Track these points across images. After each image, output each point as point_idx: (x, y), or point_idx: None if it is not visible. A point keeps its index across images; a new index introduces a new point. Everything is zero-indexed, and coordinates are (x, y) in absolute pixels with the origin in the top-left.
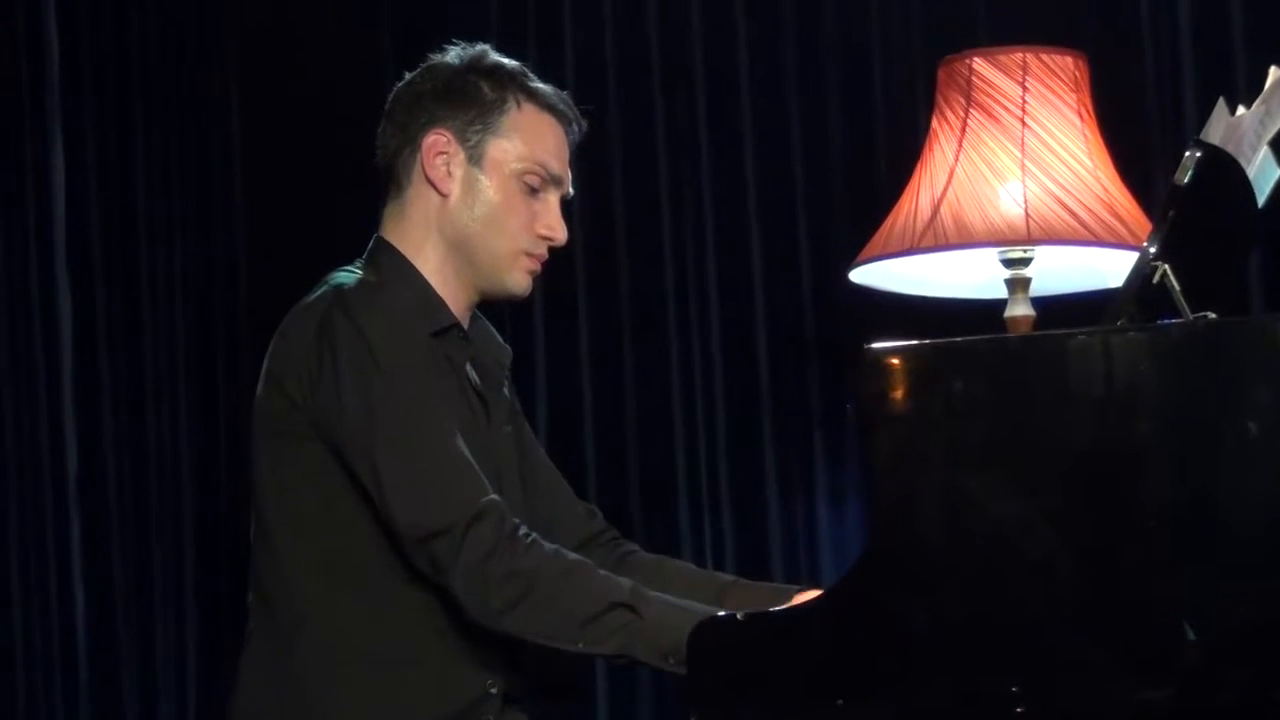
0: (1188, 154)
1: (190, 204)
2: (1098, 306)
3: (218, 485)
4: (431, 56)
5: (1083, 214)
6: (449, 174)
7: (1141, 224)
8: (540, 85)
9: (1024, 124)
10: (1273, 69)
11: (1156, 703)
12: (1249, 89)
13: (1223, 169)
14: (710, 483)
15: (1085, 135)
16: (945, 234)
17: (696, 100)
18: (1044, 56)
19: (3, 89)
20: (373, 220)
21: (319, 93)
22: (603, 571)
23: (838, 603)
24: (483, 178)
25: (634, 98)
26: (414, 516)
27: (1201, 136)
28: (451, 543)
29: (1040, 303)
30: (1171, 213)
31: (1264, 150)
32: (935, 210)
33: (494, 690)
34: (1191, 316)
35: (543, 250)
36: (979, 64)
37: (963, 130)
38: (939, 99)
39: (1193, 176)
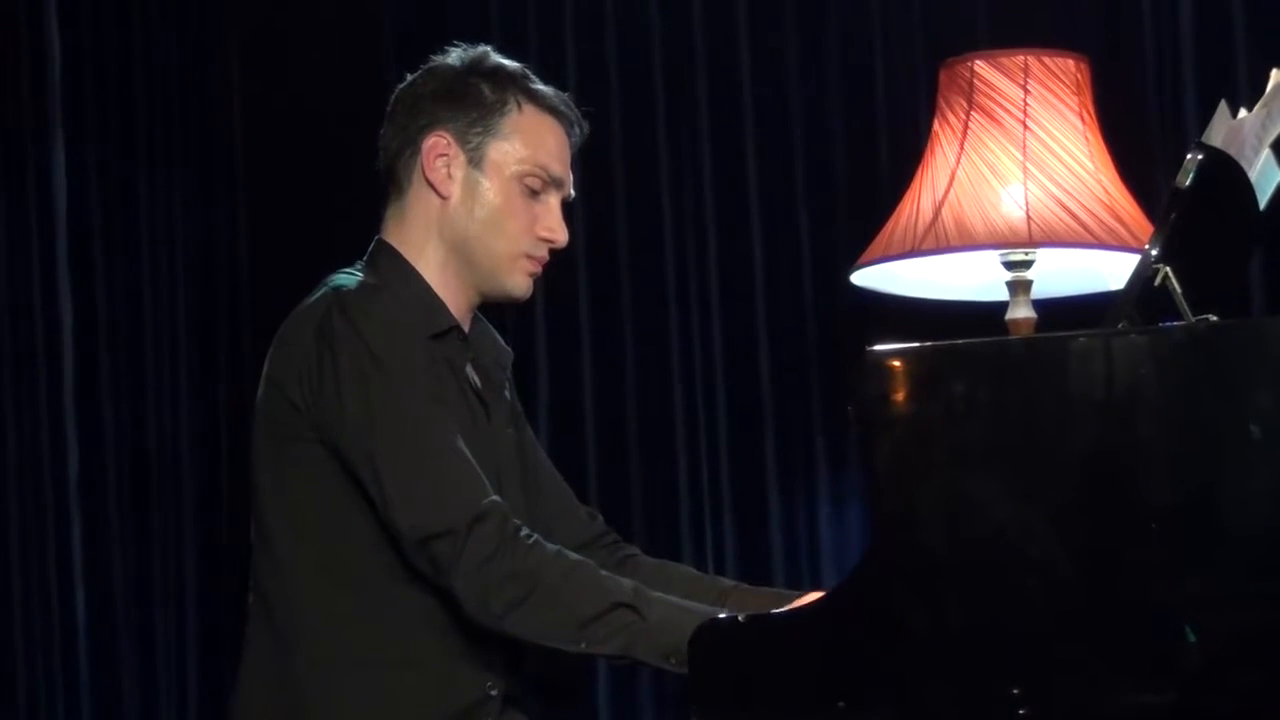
0: (1189, 156)
1: (191, 205)
2: (1099, 309)
3: (218, 486)
4: (432, 58)
5: (1084, 216)
6: (449, 176)
7: (1143, 226)
8: (541, 87)
9: (1025, 126)
10: (1274, 71)
11: (1157, 705)
12: (1250, 91)
13: (1224, 172)
14: (711, 485)
15: (1087, 138)
16: (947, 236)
17: (698, 102)
18: (1046, 59)
19: (4, 89)
20: (373, 222)
21: (320, 94)
22: (604, 572)
23: (839, 605)
24: (483, 180)
25: (635, 100)
26: (415, 518)
27: (1203, 139)
28: (453, 544)
29: (1042, 305)
30: (1173, 215)
31: (1265, 153)
32: (937, 212)
33: (494, 692)
34: (1193, 319)
35: (543, 252)
36: (981, 66)
37: (964, 133)
38: (940, 101)
39: (1194, 179)
